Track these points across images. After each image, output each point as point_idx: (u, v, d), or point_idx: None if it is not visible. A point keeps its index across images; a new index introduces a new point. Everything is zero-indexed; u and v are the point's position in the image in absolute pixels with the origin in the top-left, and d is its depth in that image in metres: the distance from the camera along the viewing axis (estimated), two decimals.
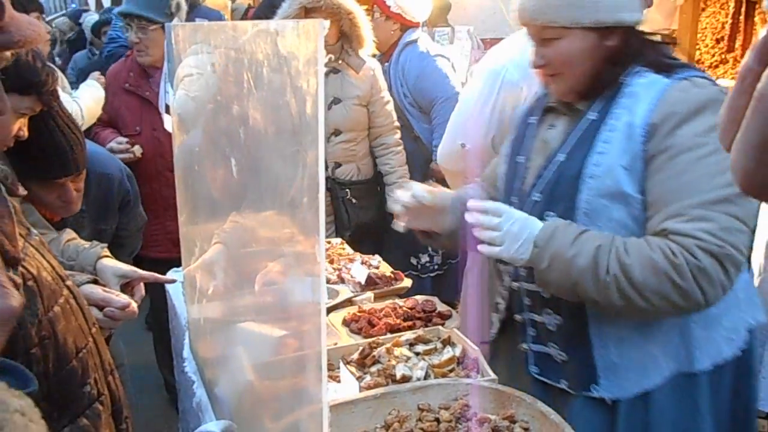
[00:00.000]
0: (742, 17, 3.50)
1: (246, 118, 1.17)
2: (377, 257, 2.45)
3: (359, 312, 1.98)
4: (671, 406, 1.48)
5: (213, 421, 1.37)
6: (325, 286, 1.14)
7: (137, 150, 2.98)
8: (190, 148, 1.64)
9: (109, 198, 2.30)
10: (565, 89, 1.48)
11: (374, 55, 3.15)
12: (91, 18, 6.14)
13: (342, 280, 2.25)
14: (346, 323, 1.94)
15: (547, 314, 1.51)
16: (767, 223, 2.19)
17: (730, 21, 3.56)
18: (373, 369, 1.60)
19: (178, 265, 1.99)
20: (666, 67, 1.42)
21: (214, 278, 1.52)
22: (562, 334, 1.50)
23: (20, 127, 1.51)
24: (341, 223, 3.11)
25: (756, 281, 2.11)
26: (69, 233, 1.85)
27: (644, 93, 1.39)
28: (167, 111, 2.18)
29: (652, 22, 1.67)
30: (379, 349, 1.65)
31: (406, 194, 1.63)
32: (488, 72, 2.18)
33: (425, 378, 1.55)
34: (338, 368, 1.62)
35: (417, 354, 1.66)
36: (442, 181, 2.73)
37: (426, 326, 1.86)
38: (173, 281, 1.98)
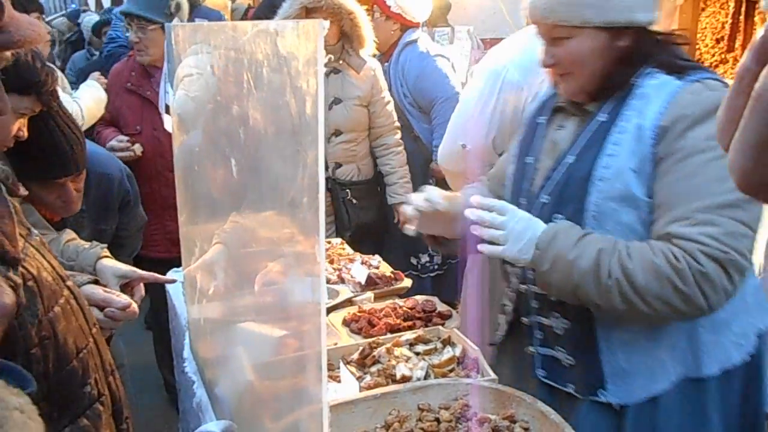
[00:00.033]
0: (742, 17, 3.50)
1: (246, 119, 1.17)
2: (377, 257, 2.45)
3: (359, 312, 1.98)
4: (679, 411, 1.46)
5: (213, 421, 1.37)
6: (325, 286, 1.14)
7: (137, 148, 2.98)
8: (190, 148, 1.64)
9: (109, 198, 2.30)
10: (575, 89, 1.46)
11: (374, 55, 3.15)
12: (89, 18, 6.14)
13: (342, 280, 2.25)
14: (346, 323, 1.94)
15: (554, 318, 1.50)
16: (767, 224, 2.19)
17: (730, 21, 3.56)
18: (373, 369, 1.60)
19: (178, 265, 2.00)
20: (678, 68, 1.39)
21: (215, 278, 1.52)
22: (569, 338, 1.49)
23: (20, 127, 1.51)
24: (341, 223, 3.11)
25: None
26: (69, 234, 1.85)
27: (655, 95, 1.37)
28: (167, 111, 2.18)
29: None
30: (379, 349, 1.65)
31: (420, 198, 1.61)
32: (489, 72, 2.17)
33: (425, 378, 1.55)
34: (338, 368, 1.62)
35: (417, 354, 1.66)
36: (443, 182, 2.74)
37: (426, 326, 1.86)
38: (173, 281, 1.98)
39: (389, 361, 1.60)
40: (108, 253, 1.77)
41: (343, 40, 2.98)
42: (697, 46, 3.80)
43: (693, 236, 1.27)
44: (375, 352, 1.64)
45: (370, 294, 2.14)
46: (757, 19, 3.45)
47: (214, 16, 4.00)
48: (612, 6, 1.36)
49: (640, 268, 1.29)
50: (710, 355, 1.46)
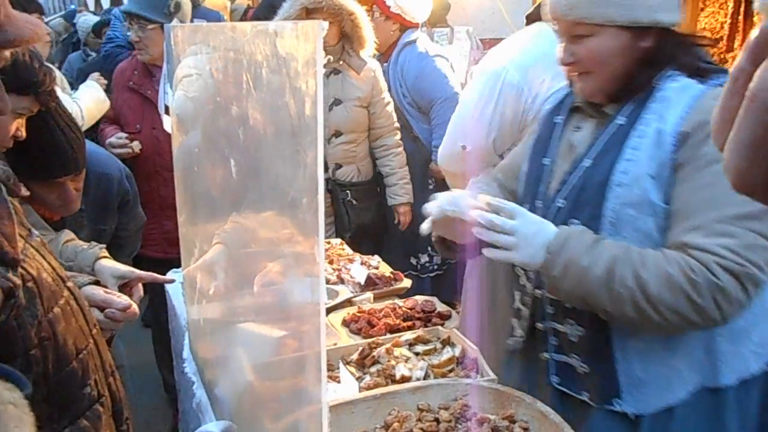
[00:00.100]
0: (741, 17, 3.50)
1: (245, 119, 1.17)
2: (377, 257, 2.45)
3: (359, 312, 1.98)
4: (695, 421, 1.43)
5: (213, 422, 1.37)
6: (325, 287, 1.15)
7: (136, 146, 3.00)
8: (190, 149, 1.65)
9: (109, 198, 2.30)
10: (593, 89, 1.42)
11: (373, 56, 3.15)
12: (84, 19, 6.14)
13: (341, 281, 2.25)
14: (345, 324, 1.94)
15: (569, 324, 1.46)
16: None
17: (728, 21, 3.56)
18: (373, 369, 1.60)
19: (178, 265, 2.00)
20: (701, 71, 1.36)
21: (214, 279, 1.52)
22: (584, 345, 1.45)
23: (18, 127, 1.51)
24: (342, 224, 3.11)
25: None
26: (68, 234, 1.85)
27: (676, 98, 1.34)
28: (166, 112, 2.18)
29: None
30: (378, 349, 1.65)
31: (434, 206, 1.51)
32: (489, 73, 2.17)
33: (425, 378, 1.55)
34: (338, 368, 1.62)
35: (416, 354, 1.66)
36: (442, 182, 2.74)
37: (425, 326, 1.86)
38: (172, 281, 1.98)
39: (389, 361, 1.60)
40: (107, 254, 1.77)
41: (344, 41, 2.98)
42: None
43: (710, 247, 1.24)
44: (374, 353, 1.64)
45: (369, 294, 2.14)
46: (756, 18, 3.45)
47: (212, 16, 4.01)
48: (637, 5, 1.32)
49: (655, 278, 1.25)
50: (728, 365, 1.43)
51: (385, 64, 3.34)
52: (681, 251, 1.27)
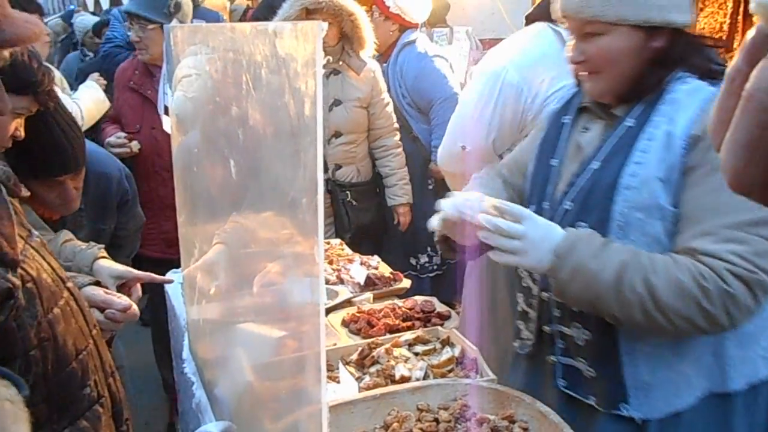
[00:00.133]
0: (740, 17, 3.50)
1: (245, 120, 1.17)
2: (376, 258, 2.45)
3: (358, 312, 1.98)
4: (703, 427, 1.42)
5: (212, 422, 1.37)
6: (324, 287, 1.15)
7: (134, 145, 3.01)
8: (189, 149, 1.65)
9: (108, 197, 2.30)
10: (603, 90, 1.40)
11: (372, 56, 3.15)
12: (82, 19, 6.14)
13: (341, 281, 2.25)
14: (345, 324, 1.94)
15: (575, 328, 1.45)
16: None
17: (728, 21, 3.56)
18: (373, 369, 1.61)
19: (178, 265, 2.00)
20: (712, 73, 1.35)
21: (214, 279, 1.52)
22: (590, 349, 1.43)
23: (16, 127, 1.51)
24: (342, 225, 3.11)
25: None
26: (66, 234, 1.85)
27: (686, 101, 1.33)
28: (166, 112, 2.18)
29: None
30: (378, 349, 1.65)
31: (448, 205, 1.44)
32: (488, 73, 2.17)
33: (424, 378, 1.55)
34: (337, 369, 1.62)
35: (416, 354, 1.66)
36: (442, 183, 2.74)
37: (425, 327, 1.86)
38: (170, 281, 1.98)
39: (388, 361, 1.60)
40: (105, 254, 1.77)
41: (344, 41, 2.98)
42: None
43: (720, 254, 1.22)
44: (374, 353, 1.64)
45: (369, 294, 2.14)
46: (755, 19, 3.45)
47: (211, 16, 4.00)
48: (650, 4, 1.31)
49: (665, 284, 1.24)
50: (737, 370, 1.41)
51: (385, 65, 3.34)
52: (690, 257, 1.26)
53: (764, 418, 1.48)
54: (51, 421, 1.08)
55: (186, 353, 1.87)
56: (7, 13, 0.90)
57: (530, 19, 2.25)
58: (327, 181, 3.03)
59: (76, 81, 3.98)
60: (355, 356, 1.66)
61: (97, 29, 5.60)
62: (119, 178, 2.34)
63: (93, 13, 7.15)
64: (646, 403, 1.40)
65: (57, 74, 2.54)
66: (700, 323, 1.24)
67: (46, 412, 1.07)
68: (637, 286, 1.25)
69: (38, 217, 1.87)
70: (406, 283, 2.27)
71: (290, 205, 0.96)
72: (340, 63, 3.01)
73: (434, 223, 1.46)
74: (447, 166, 2.40)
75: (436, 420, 1.38)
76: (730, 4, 3.57)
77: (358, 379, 1.57)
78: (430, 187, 3.38)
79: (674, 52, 1.35)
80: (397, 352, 1.65)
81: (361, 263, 2.36)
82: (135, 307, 1.50)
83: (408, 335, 1.74)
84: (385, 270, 2.33)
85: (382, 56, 3.37)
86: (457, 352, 1.65)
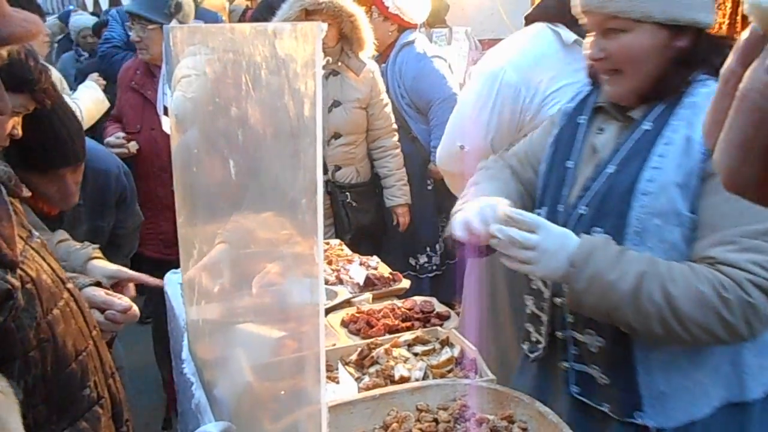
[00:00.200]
0: (738, 18, 3.51)
1: (244, 120, 1.17)
2: (375, 258, 2.45)
3: (358, 313, 1.98)
4: None
5: (212, 423, 1.37)
6: (324, 287, 1.14)
7: (132, 146, 3.02)
8: (188, 150, 1.65)
9: (106, 194, 2.30)
10: (623, 90, 1.36)
11: (372, 56, 3.16)
12: (77, 19, 6.14)
13: (340, 281, 2.26)
14: (344, 324, 1.94)
15: (589, 334, 1.41)
16: None
17: (726, 21, 3.56)
18: (372, 370, 1.61)
19: (177, 265, 2.00)
20: None
21: (215, 279, 1.52)
22: (604, 356, 1.40)
23: (14, 125, 1.51)
24: (341, 226, 3.12)
25: None
26: (62, 234, 1.85)
27: (707, 105, 1.30)
28: (165, 113, 2.18)
29: None
30: (377, 349, 1.65)
31: (475, 216, 1.36)
32: (487, 74, 2.17)
33: (423, 378, 1.55)
34: (337, 369, 1.62)
35: (415, 355, 1.66)
36: (441, 183, 2.74)
37: (424, 327, 1.86)
38: (160, 285, 1.98)
39: (388, 361, 1.60)
40: (99, 254, 1.77)
41: (343, 42, 2.98)
42: None
43: (740, 264, 1.20)
44: (373, 353, 1.64)
45: (368, 295, 2.14)
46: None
47: (210, 17, 4.00)
48: (677, 2, 1.27)
49: (685, 294, 1.21)
50: (755, 379, 1.39)
51: (384, 65, 3.34)
52: (710, 266, 1.23)
53: None
54: (50, 422, 1.08)
55: (185, 353, 1.87)
56: (4, 12, 0.90)
57: (529, 20, 2.25)
58: (327, 183, 3.03)
59: (75, 81, 3.98)
60: (354, 356, 1.66)
61: (97, 29, 5.60)
62: (117, 174, 2.33)
63: (93, 14, 7.14)
64: (661, 412, 1.37)
65: (56, 74, 2.53)
66: (720, 333, 1.21)
67: (45, 413, 1.07)
68: (655, 296, 1.22)
69: (36, 217, 1.87)
70: (406, 283, 2.27)
71: (290, 206, 0.96)
72: (340, 64, 3.01)
73: (459, 232, 1.36)
74: (446, 166, 2.40)
75: (436, 420, 1.38)
76: (728, 4, 3.57)
77: (358, 380, 1.57)
78: (429, 187, 3.38)
79: (697, 53, 1.32)
80: (396, 352, 1.65)
81: (361, 264, 2.36)
82: (135, 308, 1.50)
83: (407, 335, 1.74)
84: (385, 270, 2.34)
85: (381, 57, 3.37)
86: (456, 352, 1.66)
